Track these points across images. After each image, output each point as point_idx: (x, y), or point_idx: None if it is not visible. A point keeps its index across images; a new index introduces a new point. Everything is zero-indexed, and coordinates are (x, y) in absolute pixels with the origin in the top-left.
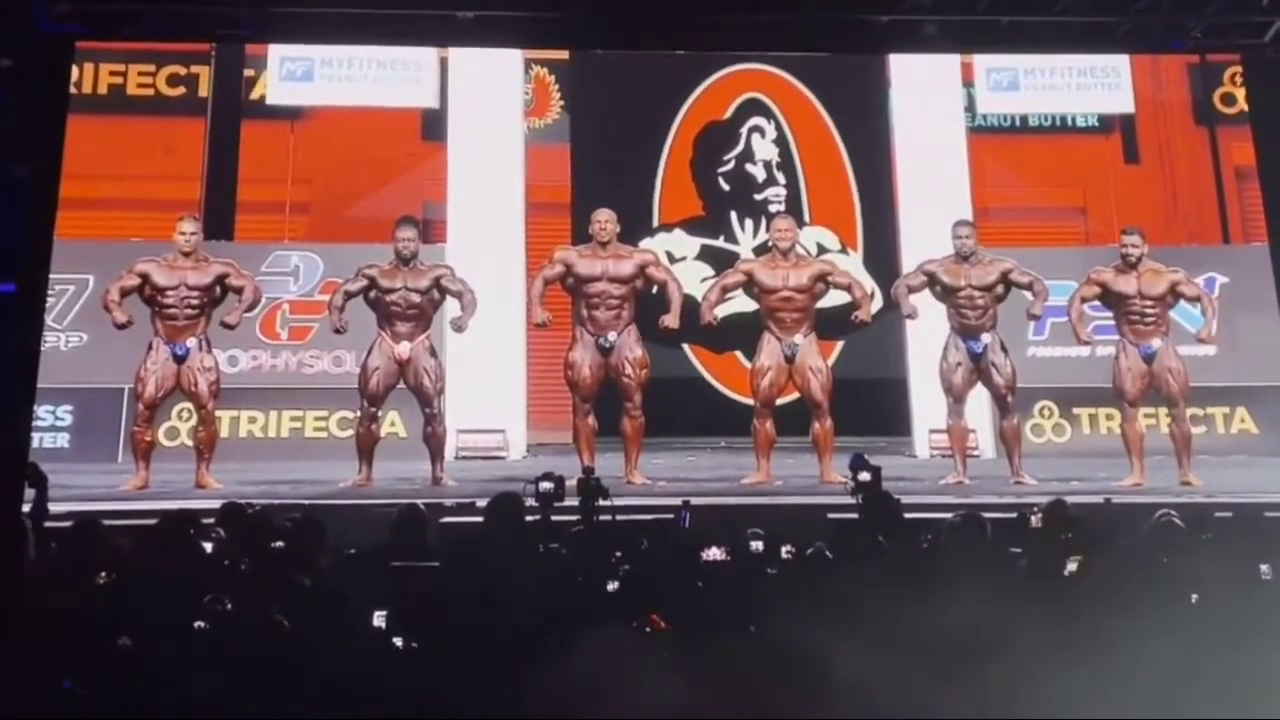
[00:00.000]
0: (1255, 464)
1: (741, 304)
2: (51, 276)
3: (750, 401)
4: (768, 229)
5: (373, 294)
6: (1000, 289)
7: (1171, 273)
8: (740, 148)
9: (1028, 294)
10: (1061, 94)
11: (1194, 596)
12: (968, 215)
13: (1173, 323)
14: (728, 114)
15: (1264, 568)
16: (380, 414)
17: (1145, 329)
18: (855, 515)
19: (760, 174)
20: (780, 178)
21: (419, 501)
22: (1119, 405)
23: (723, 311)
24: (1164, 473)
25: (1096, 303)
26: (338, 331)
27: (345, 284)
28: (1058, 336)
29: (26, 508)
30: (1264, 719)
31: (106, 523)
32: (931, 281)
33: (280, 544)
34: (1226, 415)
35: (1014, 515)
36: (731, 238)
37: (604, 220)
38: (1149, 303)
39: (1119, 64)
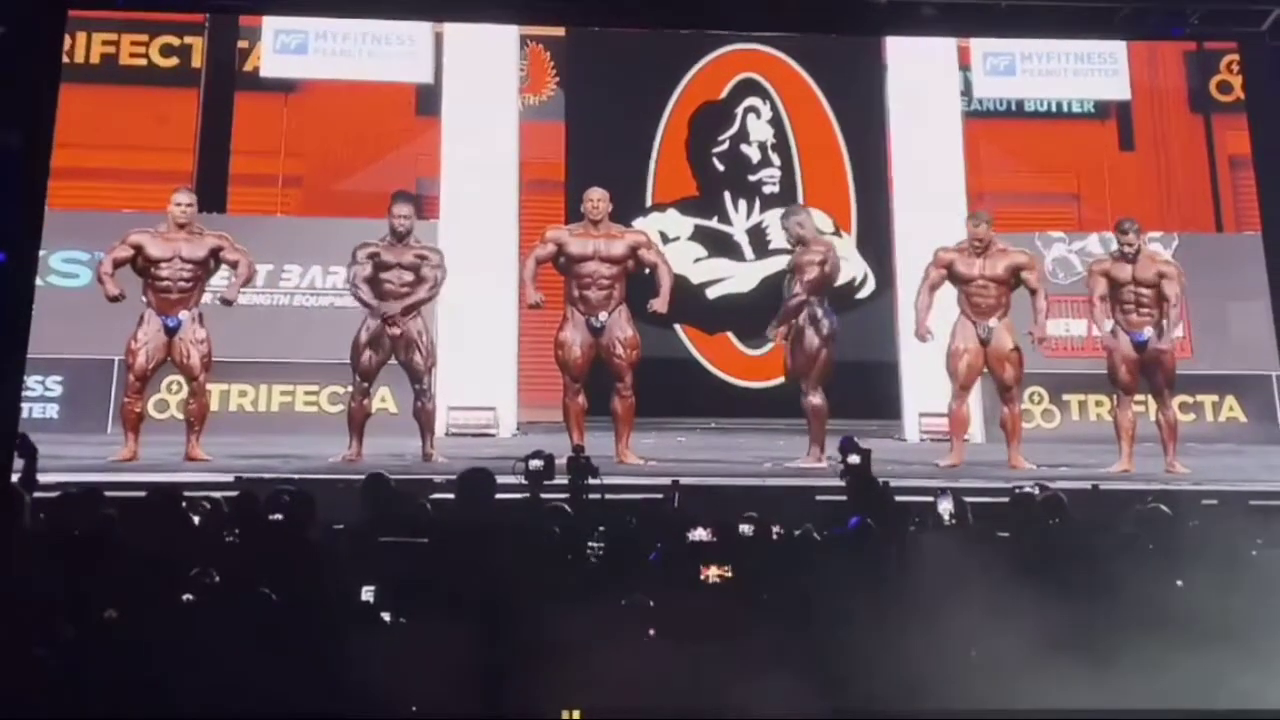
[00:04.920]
0: (1243, 452)
1: (736, 285)
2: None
3: (743, 383)
4: (762, 210)
5: None
6: (1011, 280)
7: (1164, 263)
8: (735, 128)
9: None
10: (1058, 79)
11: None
12: (962, 199)
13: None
14: (723, 94)
15: None
16: (371, 389)
17: (1139, 318)
18: (844, 498)
19: (755, 155)
20: (775, 159)
21: (383, 470)
22: (1113, 392)
23: (715, 293)
24: (1151, 460)
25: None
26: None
27: (356, 270)
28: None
29: (15, 478)
30: (1262, 710)
31: None
32: (950, 272)
33: (278, 516)
34: (1215, 403)
35: (1003, 500)
36: (725, 219)
37: (596, 199)
38: (1144, 290)
39: (1116, 50)
